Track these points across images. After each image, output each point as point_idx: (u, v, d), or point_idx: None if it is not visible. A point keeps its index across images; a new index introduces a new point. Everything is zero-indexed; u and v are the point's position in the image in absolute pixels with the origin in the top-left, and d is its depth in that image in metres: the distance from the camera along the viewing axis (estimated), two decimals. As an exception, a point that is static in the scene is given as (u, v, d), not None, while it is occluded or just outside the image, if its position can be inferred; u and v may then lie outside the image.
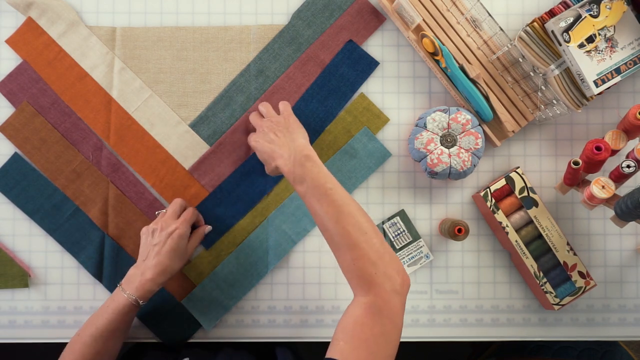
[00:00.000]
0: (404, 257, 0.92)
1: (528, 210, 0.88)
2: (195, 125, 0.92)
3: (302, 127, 0.84)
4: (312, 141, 0.91)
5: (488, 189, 0.88)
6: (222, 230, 0.91)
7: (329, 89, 0.92)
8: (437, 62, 0.89)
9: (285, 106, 0.87)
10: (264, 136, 0.83)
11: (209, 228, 0.90)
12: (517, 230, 0.88)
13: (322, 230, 0.75)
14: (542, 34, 0.85)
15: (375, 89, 0.93)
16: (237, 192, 0.92)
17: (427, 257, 0.92)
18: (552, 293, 0.88)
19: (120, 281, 0.83)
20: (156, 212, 0.90)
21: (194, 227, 0.90)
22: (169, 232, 0.83)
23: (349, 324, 0.67)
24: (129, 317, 0.82)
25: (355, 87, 0.92)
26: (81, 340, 0.79)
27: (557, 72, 0.86)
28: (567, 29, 0.83)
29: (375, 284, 0.68)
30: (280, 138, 0.82)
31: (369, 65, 0.92)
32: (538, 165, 0.93)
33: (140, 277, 0.81)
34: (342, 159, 0.92)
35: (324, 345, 0.93)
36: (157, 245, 0.83)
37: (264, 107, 0.87)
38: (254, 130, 0.89)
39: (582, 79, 0.85)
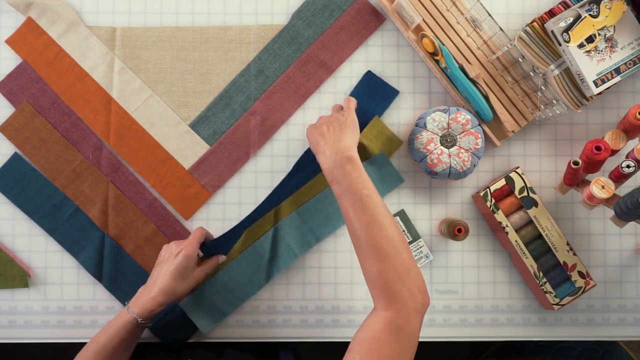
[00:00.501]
0: (403, 257, 0.92)
1: (528, 210, 0.88)
2: (195, 125, 0.92)
3: (356, 128, 0.81)
4: None
5: (488, 189, 0.88)
6: (227, 239, 0.91)
7: None
8: (437, 62, 0.89)
9: (348, 103, 0.86)
10: (317, 128, 0.83)
11: (222, 258, 0.90)
12: (517, 230, 0.88)
13: (352, 234, 0.74)
14: (542, 34, 0.85)
15: (375, 89, 0.93)
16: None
17: (427, 257, 0.92)
18: (552, 293, 0.88)
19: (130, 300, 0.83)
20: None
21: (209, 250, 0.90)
22: (175, 252, 0.83)
23: (367, 337, 0.67)
24: (131, 336, 0.81)
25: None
26: (84, 356, 0.79)
27: (557, 72, 0.86)
28: (567, 29, 0.83)
29: (399, 299, 0.68)
30: (330, 133, 0.80)
31: (389, 93, 0.92)
32: (538, 165, 0.93)
33: (144, 296, 0.81)
34: None
35: (325, 346, 0.93)
36: (164, 266, 0.83)
37: (348, 101, 0.86)
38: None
39: (582, 79, 0.85)
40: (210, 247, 0.90)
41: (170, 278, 0.82)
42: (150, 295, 0.81)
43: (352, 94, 0.92)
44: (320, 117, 0.85)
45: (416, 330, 0.68)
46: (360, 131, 0.87)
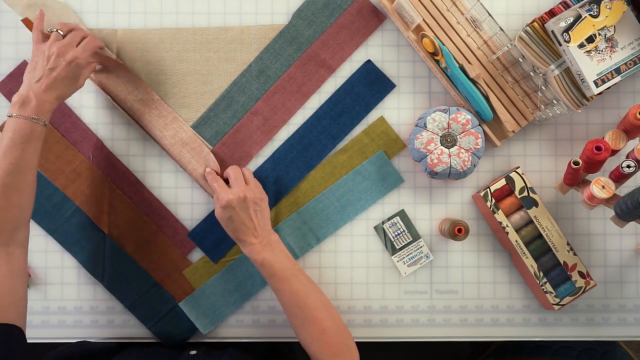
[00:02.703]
0: (404, 257, 0.92)
1: (528, 210, 0.88)
2: (197, 127, 0.92)
3: (269, 213, 0.88)
4: (323, 157, 0.92)
5: (488, 189, 0.88)
6: (228, 240, 0.91)
7: (343, 106, 0.92)
8: (437, 62, 0.89)
9: (256, 182, 0.88)
10: (244, 210, 0.83)
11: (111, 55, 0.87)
12: (517, 230, 0.88)
13: (288, 308, 0.81)
14: (542, 34, 0.85)
15: (376, 89, 0.93)
16: None
17: (427, 257, 0.92)
18: (552, 293, 0.88)
19: (8, 112, 0.78)
20: (48, 29, 0.83)
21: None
22: (67, 59, 0.79)
23: None
24: (38, 144, 0.78)
25: (369, 107, 0.92)
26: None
27: (557, 72, 0.86)
28: (567, 29, 0.83)
29: (343, 352, 0.79)
30: (257, 219, 0.84)
31: (386, 86, 0.92)
32: (538, 165, 0.93)
33: (36, 99, 0.77)
34: (355, 179, 0.92)
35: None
36: (53, 71, 0.78)
37: (247, 172, 0.88)
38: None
39: (582, 79, 0.85)
40: (206, 240, 0.90)
41: (63, 85, 0.79)
42: (44, 98, 0.77)
43: (351, 81, 0.92)
44: (241, 189, 0.83)
45: None
46: (359, 122, 0.92)
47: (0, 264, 0.73)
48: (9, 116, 0.77)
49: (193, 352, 0.86)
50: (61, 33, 0.82)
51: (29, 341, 0.86)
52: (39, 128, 0.77)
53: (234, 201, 0.82)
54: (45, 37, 0.83)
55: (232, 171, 0.86)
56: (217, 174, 0.89)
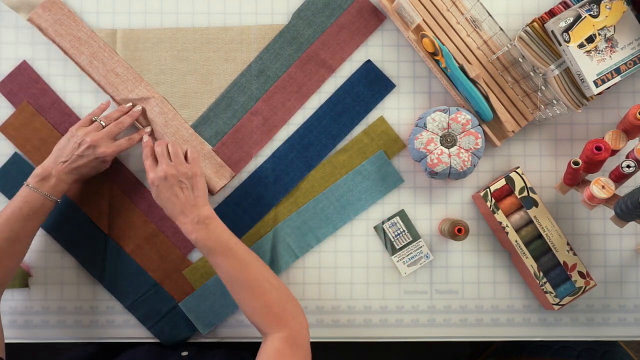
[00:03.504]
0: (404, 257, 0.92)
1: (528, 210, 0.88)
2: (197, 126, 0.92)
3: (204, 182, 0.84)
4: (323, 157, 0.92)
5: (488, 189, 0.88)
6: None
7: (343, 106, 0.92)
8: (437, 62, 0.89)
9: (194, 156, 0.85)
10: (169, 188, 0.81)
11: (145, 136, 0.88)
12: (517, 230, 0.88)
13: (229, 282, 0.79)
14: (542, 34, 0.85)
15: (376, 89, 0.93)
16: (243, 205, 0.92)
17: (427, 257, 0.92)
18: (552, 293, 0.88)
19: (26, 181, 0.82)
20: (92, 118, 0.86)
21: None
22: (97, 154, 0.83)
23: (271, 356, 0.74)
24: (43, 217, 0.82)
25: (369, 107, 0.92)
26: None
27: (557, 72, 0.86)
28: (567, 29, 0.83)
29: (288, 320, 0.77)
30: (184, 195, 0.81)
31: (385, 86, 0.92)
32: (538, 165, 0.93)
33: (55, 179, 0.81)
34: (355, 179, 0.92)
35: (325, 345, 0.93)
36: (80, 158, 0.82)
37: (172, 147, 0.84)
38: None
39: (582, 79, 0.85)
40: None
41: (85, 172, 0.84)
42: (63, 179, 0.82)
43: (351, 81, 0.92)
44: (161, 169, 0.81)
45: (308, 343, 0.78)
46: (359, 122, 0.91)
47: None
48: (27, 185, 0.81)
49: (185, 354, 0.87)
50: (103, 124, 0.86)
51: (28, 341, 0.86)
52: (49, 204, 0.82)
53: (156, 180, 0.81)
54: (89, 123, 0.86)
55: (156, 147, 0.84)
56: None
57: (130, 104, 0.90)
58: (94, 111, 0.87)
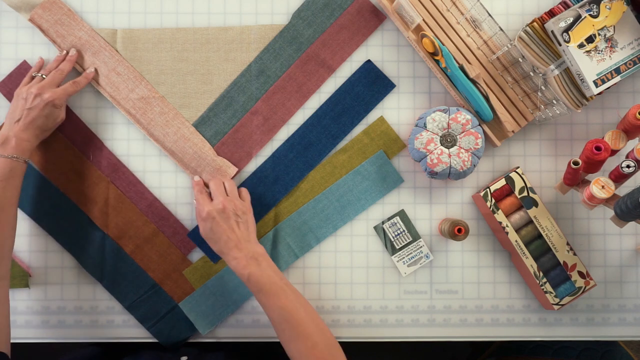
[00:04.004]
0: (404, 257, 0.92)
1: (528, 210, 0.88)
2: (197, 126, 0.92)
3: (255, 224, 0.86)
4: (323, 157, 0.92)
5: (488, 189, 0.88)
6: None
7: (343, 106, 0.92)
8: (437, 62, 0.89)
9: (247, 194, 0.88)
10: (225, 221, 0.82)
11: (91, 71, 0.89)
12: (517, 230, 0.88)
13: (277, 322, 0.79)
14: (542, 34, 0.85)
15: (376, 89, 0.93)
16: None
17: (427, 257, 0.92)
18: (552, 293, 0.88)
19: None
20: (33, 73, 0.88)
21: None
22: (45, 99, 0.83)
23: None
24: (19, 181, 0.82)
25: (369, 107, 0.92)
26: None
27: (557, 72, 0.86)
28: (567, 29, 0.83)
29: None
30: (240, 230, 0.82)
31: (385, 86, 0.92)
32: (538, 165, 0.93)
33: (15, 139, 0.82)
34: (355, 179, 0.92)
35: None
36: (31, 111, 0.83)
37: (229, 184, 0.87)
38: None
39: (582, 79, 0.85)
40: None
41: (42, 123, 0.84)
42: (24, 137, 0.82)
43: (351, 81, 0.92)
44: (218, 201, 0.83)
45: None
46: (359, 122, 0.91)
47: None
48: None
49: (184, 358, 0.87)
50: (44, 77, 0.87)
51: (28, 341, 0.86)
52: (19, 166, 0.81)
53: (213, 212, 0.82)
54: (30, 80, 0.88)
55: (212, 183, 0.87)
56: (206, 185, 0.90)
57: (65, 51, 0.90)
58: (32, 69, 0.89)
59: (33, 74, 0.88)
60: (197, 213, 0.84)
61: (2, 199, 0.79)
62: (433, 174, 0.87)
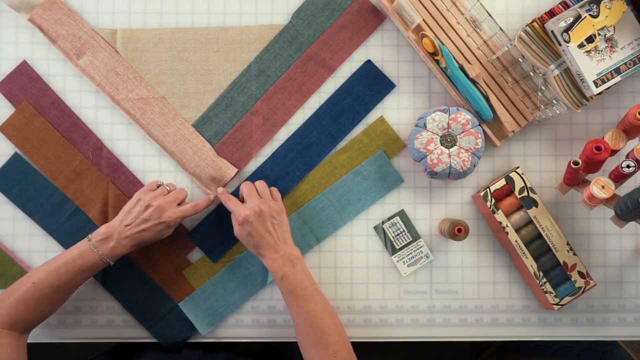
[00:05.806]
0: (404, 257, 0.92)
1: (528, 210, 0.88)
2: (197, 126, 0.92)
3: (289, 224, 0.86)
4: (322, 157, 0.92)
5: (488, 189, 0.88)
6: (228, 240, 0.91)
7: (343, 106, 0.92)
8: (437, 62, 0.89)
9: (277, 193, 0.89)
10: (262, 223, 0.82)
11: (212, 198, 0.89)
12: (517, 230, 0.88)
13: (301, 325, 0.79)
14: (542, 34, 0.85)
15: (376, 89, 0.93)
16: None
17: (427, 257, 0.92)
18: (552, 293, 0.88)
19: (89, 236, 0.82)
20: (158, 182, 0.88)
21: None
22: (162, 218, 0.82)
23: None
24: (91, 275, 0.82)
25: (369, 107, 0.92)
26: (38, 290, 0.79)
27: (557, 72, 0.86)
28: (567, 29, 0.83)
29: None
30: (277, 232, 0.83)
31: (385, 86, 0.92)
32: (538, 165, 0.93)
33: (115, 242, 0.81)
34: (355, 179, 0.92)
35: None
36: (146, 222, 0.82)
37: (261, 185, 0.87)
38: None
39: (582, 79, 0.85)
40: (206, 240, 0.90)
41: (148, 238, 0.83)
42: (123, 243, 0.81)
43: (351, 81, 0.92)
44: (253, 203, 0.83)
45: None
46: (359, 122, 0.91)
47: (11, 348, 0.77)
48: (88, 240, 0.81)
49: None
50: (168, 189, 0.86)
51: (28, 341, 0.86)
52: (101, 264, 0.82)
53: (250, 216, 0.81)
54: (155, 187, 0.87)
55: (244, 187, 0.86)
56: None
57: (213, 195, 0.89)
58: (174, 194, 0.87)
59: (159, 183, 0.87)
60: (233, 219, 0.84)
61: (68, 283, 0.80)
62: (433, 174, 0.87)
